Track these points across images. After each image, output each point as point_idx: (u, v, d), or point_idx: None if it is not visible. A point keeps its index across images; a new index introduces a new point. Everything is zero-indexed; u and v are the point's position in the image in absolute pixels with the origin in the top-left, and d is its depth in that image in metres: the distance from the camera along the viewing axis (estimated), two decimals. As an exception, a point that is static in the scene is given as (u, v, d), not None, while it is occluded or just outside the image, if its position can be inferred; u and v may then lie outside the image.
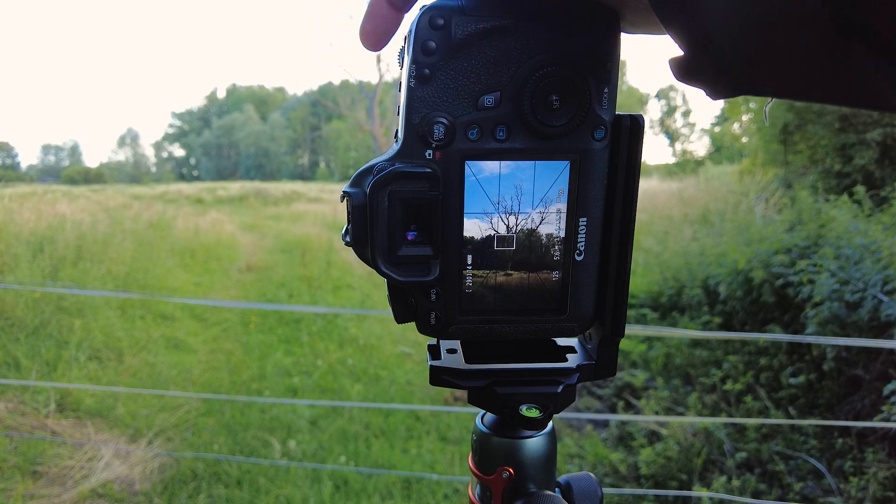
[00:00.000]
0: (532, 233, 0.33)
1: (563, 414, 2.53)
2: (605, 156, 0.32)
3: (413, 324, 0.35)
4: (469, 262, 0.33)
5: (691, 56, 0.24)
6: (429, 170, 0.31)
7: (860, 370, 2.58)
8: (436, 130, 0.30)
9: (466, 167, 0.31)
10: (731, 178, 7.17)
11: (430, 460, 2.44)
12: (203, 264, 6.45)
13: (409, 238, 0.32)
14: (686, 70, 0.25)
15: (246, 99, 58.95)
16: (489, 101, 0.30)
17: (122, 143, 66.78)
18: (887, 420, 2.24)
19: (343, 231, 0.33)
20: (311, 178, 48.09)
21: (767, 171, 6.02)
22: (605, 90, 0.31)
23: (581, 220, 0.33)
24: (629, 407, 3.00)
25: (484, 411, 0.41)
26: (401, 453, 2.50)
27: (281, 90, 63.57)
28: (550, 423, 0.39)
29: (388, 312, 0.35)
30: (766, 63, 0.20)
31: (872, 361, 2.55)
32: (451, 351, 0.38)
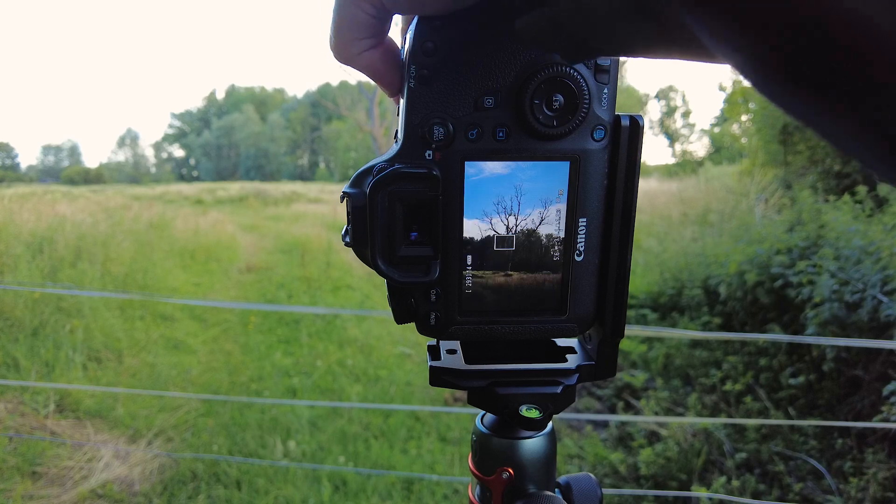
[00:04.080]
0: (532, 233, 0.33)
1: (562, 414, 2.53)
2: (604, 156, 0.32)
3: (413, 324, 0.35)
4: (469, 262, 0.33)
5: (530, 16, 0.23)
6: (429, 170, 0.31)
7: (860, 371, 2.58)
8: (436, 131, 0.30)
9: (466, 168, 0.31)
10: (730, 179, 7.17)
11: (429, 461, 2.44)
12: (203, 265, 6.45)
13: (409, 238, 0.32)
14: (531, 32, 0.23)
15: (245, 100, 59.00)
16: (489, 102, 0.30)
17: (121, 143, 66.80)
18: (887, 420, 2.24)
19: (343, 231, 0.33)
20: (310, 178, 48.13)
21: (767, 171, 6.02)
22: (605, 90, 0.31)
23: (581, 220, 0.33)
24: (629, 407, 3.00)
25: (484, 412, 0.41)
26: (400, 454, 2.50)
27: (280, 91, 63.61)
28: (550, 424, 0.39)
29: (388, 313, 0.35)
30: (594, 17, 0.19)
31: (872, 362, 2.55)
32: (451, 351, 0.38)
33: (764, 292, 3.31)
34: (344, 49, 0.29)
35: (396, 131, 0.32)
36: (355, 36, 0.28)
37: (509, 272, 0.34)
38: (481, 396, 0.36)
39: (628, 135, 0.31)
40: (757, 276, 3.35)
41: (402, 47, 0.32)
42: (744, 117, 8.13)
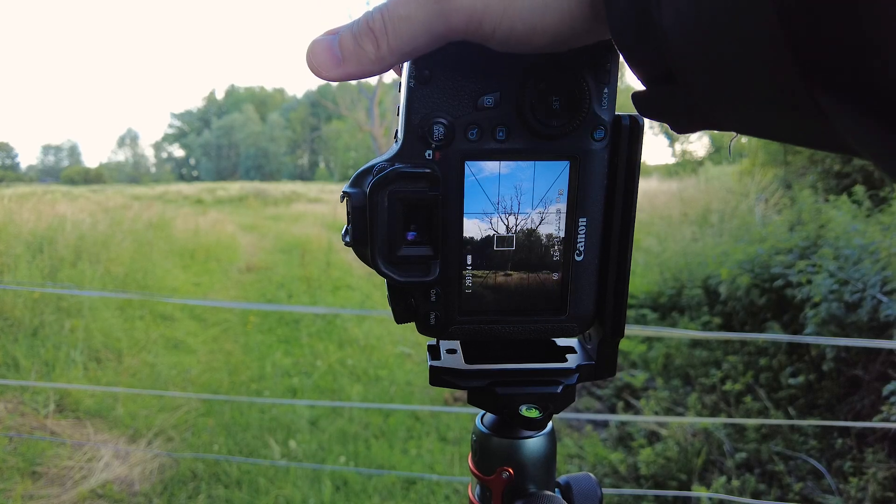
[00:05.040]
0: (532, 233, 0.33)
1: (562, 414, 2.53)
2: (604, 156, 0.32)
3: (413, 324, 0.35)
4: (469, 262, 0.33)
5: (652, 91, 0.24)
6: (429, 170, 0.31)
7: (860, 370, 2.58)
8: (435, 131, 0.30)
9: (466, 167, 0.31)
10: (730, 179, 7.16)
11: (429, 461, 2.44)
12: (203, 264, 6.45)
13: (409, 238, 0.32)
14: (647, 105, 0.25)
15: (245, 100, 58.99)
16: (489, 102, 0.30)
17: (121, 143, 66.83)
18: (887, 420, 2.24)
19: (343, 231, 0.33)
20: (310, 178, 48.13)
21: (767, 171, 6.02)
22: (605, 90, 0.30)
23: (581, 220, 0.33)
24: (629, 407, 3.00)
25: (484, 411, 0.41)
26: (401, 454, 2.50)
27: (280, 91, 63.61)
28: (550, 424, 0.39)
29: (388, 313, 0.35)
30: (730, 101, 0.20)
31: (872, 362, 2.55)
32: (451, 351, 0.38)
33: (759, 293, 3.31)
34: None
35: (396, 131, 0.32)
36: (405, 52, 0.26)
37: (509, 272, 0.33)
38: (481, 396, 0.36)
39: (628, 135, 0.31)
40: (749, 280, 3.35)
41: None
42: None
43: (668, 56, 0.21)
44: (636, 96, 0.25)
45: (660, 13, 0.20)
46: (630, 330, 2.01)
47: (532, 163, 0.31)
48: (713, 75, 0.20)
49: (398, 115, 0.32)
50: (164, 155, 65.71)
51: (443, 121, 0.30)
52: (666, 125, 0.25)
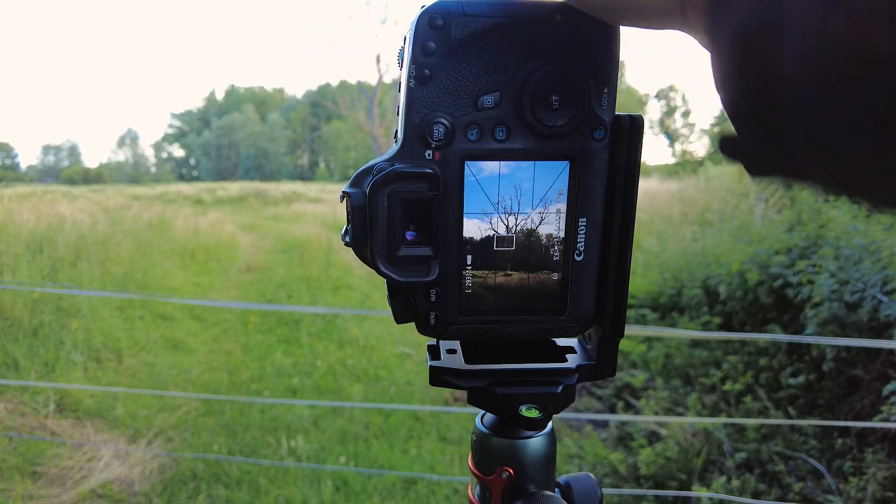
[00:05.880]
0: (532, 233, 0.33)
1: (562, 414, 2.53)
2: (604, 156, 0.32)
3: (413, 324, 0.35)
4: (469, 262, 0.33)
5: (742, 133, 0.22)
6: (428, 170, 0.31)
7: (860, 370, 2.58)
8: (435, 131, 0.30)
9: (466, 167, 0.31)
10: (730, 179, 7.16)
11: (430, 461, 2.44)
12: (203, 265, 6.45)
13: (409, 238, 0.32)
14: (731, 146, 0.23)
15: (245, 100, 58.94)
16: (489, 102, 0.30)
17: (121, 143, 66.81)
18: (887, 420, 2.24)
19: (343, 231, 0.33)
20: (310, 178, 48.11)
21: (767, 171, 6.00)
22: (605, 90, 0.31)
23: (581, 220, 0.33)
24: (629, 407, 3.00)
25: (484, 412, 0.41)
26: (401, 454, 2.50)
27: (280, 91, 63.58)
28: (550, 424, 0.39)
29: (388, 313, 0.35)
30: (831, 155, 0.19)
31: (872, 362, 2.55)
32: (451, 351, 0.38)
33: (764, 292, 3.30)
34: None
35: (396, 131, 0.32)
36: None
37: (509, 272, 0.33)
38: (481, 396, 0.36)
39: (628, 134, 0.31)
40: (758, 276, 3.34)
41: (401, 47, 0.32)
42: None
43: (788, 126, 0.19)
44: (721, 137, 0.23)
45: (782, 51, 0.18)
46: (630, 330, 2.01)
47: (532, 163, 0.31)
48: (820, 126, 0.18)
49: (398, 115, 0.32)
50: (164, 155, 65.68)
51: (443, 121, 0.30)
52: (741, 165, 0.23)
